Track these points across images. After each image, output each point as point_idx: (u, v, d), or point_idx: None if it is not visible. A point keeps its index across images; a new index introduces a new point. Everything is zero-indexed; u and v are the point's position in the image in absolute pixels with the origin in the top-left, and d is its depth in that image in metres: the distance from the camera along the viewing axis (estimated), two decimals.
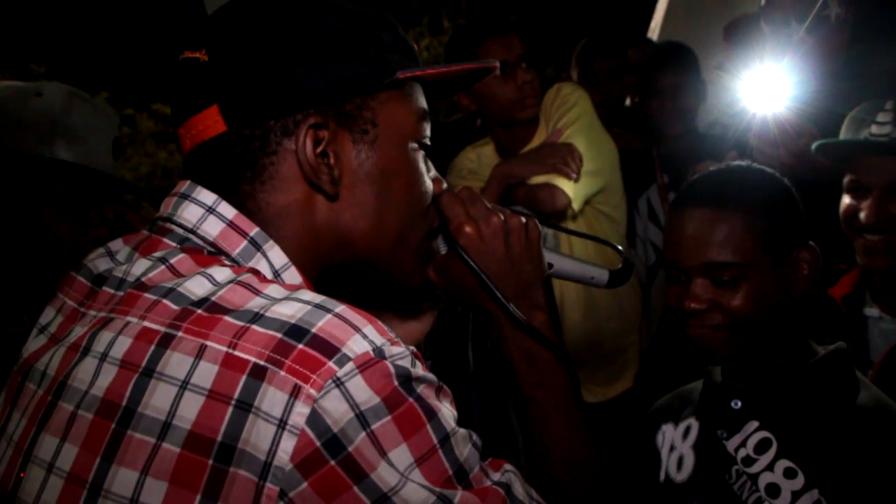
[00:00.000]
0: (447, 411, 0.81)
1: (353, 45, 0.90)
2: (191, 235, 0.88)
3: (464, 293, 1.04)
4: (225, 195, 0.89)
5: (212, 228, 0.88)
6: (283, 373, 0.73)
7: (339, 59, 0.89)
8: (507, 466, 0.86)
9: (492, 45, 2.42)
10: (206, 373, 0.74)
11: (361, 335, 0.76)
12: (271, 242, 0.89)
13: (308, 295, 0.80)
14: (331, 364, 0.74)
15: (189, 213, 0.89)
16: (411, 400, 0.77)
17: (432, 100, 1.03)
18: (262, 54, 0.87)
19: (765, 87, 2.23)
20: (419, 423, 0.77)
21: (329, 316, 0.77)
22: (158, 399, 0.75)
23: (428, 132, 0.98)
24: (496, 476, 0.84)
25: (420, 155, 0.97)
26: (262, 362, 0.74)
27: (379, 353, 0.76)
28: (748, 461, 1.32)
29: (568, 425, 1.03)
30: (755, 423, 1.33)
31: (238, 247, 0.88)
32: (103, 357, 0.79)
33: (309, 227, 0.90)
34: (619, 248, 1.23)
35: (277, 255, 0.89)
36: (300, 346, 0.74)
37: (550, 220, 2.41)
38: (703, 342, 1.34)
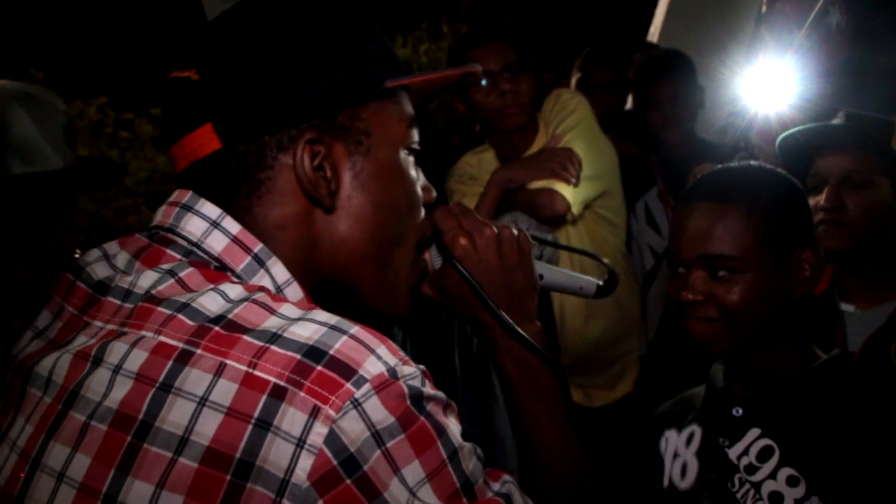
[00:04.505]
0: (454, 427, 0.83)
1: (341, 58, 0.92)
2: (195, 248, 0.89)
3: (459, 305, 1.06)
4: (226, 210, 0.90)
5: (216, 243, 0.89)
6: (302, 394, 0.75)
7: (329, 72, 0.90)
8: (506, 477, 0.88)
9: (477, 54, 2.43)
10: (226, 390, 0.76)
11: (376, 356, 0.78)
12: (274, 259, 0.90)
13: (323, 316, 0.81)
14: (349, 385, 0.76)
15: (193, 226, 0.90)
16: (422, 418, 0.79)
17: (420, 101, 1.05)
18: (253, 71, 0.89)
19: (766, 85, 2.23)
20: (430, 441, 0.79)
21: (345, 338, 0.79)
22: (176, 414, 0.76)
23: (416, 137, 1.00)
24: (496, 486, 0.86)
25: (411, 161, 0.99)
26: (282, 383, 0.75)
27: (393, 374, 0.78)
28: (751, 469, 1.31)
29: (561, 434, 1.04)
30: (757, 431, 1.33)
31: (242, 262, 0.89)
32: (117, 369, 0.80)
33: (306, 239, 0.92)
34: (605, 261, 1.25)
35: (280, 272, 0.90)
36: (319, 367, 0.76)
37: (552, 229, 2.41)
38: (700, 335, 1.34)
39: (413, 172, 0.99)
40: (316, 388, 0.75)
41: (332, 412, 0.74)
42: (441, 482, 0.79)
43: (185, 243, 0.89)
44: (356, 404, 0.75)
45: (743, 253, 1.30)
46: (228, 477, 0.74)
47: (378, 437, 0.76)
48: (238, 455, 0.74)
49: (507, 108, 2.44)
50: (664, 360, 2.77)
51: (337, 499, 0.74)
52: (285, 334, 0.78)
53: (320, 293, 0.95)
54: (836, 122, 1.91)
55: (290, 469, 0.73)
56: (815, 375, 1.34)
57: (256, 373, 0.76)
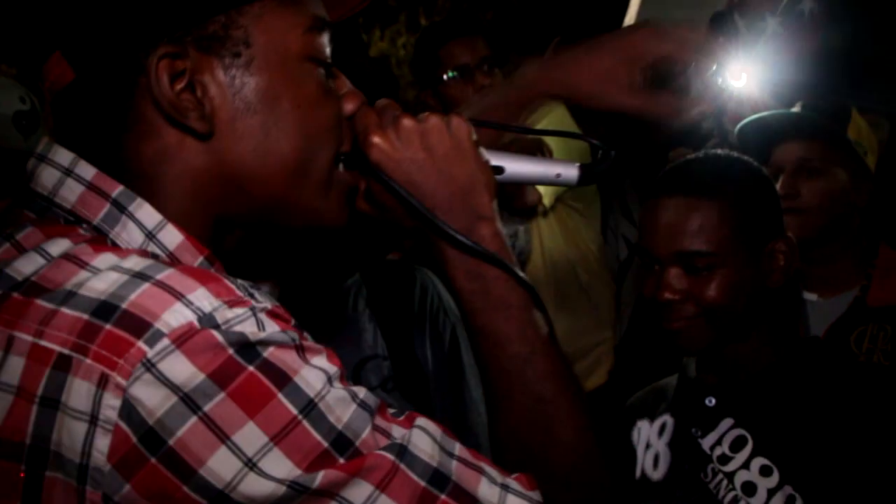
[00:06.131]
0: (312, 372, 0.67)
1: None
2: (50, 204, 0.75)
3: (395, 217, 0.87)
4: (89, 150, 0.76)
5: (70, 194, 0.74)
6: (88, 361, 0.63)
7: None
8: (420, 421, 0.73)
9: (453, 47, 2.43)
10: (14, 368, 0.64)
11: (184, 302, 0.65)
12: (139, 201, 0.74)
13: (132, 262, 0.68)
14: (140, 344, 0.63)
15: (46, 178, 0.75)
16: (251, 368, 0.64)
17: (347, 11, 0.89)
18: None
19: (740, 71, 2.24)
20: (266, 394, 0.64)
21: (146, 285, 0.65)
22: None
23: (324, 41, 0.82)
24: (400, 433, 0.70)
25: (318, 71, 0.81)
26: (66, 351, 0.63)
27: (207, 321, 0.64)
28: (724, 459, 1.30)
29: (526, 353, 0.83)
30: (730, 421, 1.32)
31: (100, 212, 0.74)
32: None
33: (187, 174, 0.76)
34: (594, 141, 1.01)
35: (148, 214, 0.74)
36: (107, 326, 0.64)
37: (524, 220, 2.39)
38: (679, 334, 1.32)
39: (317, 83, 0.81)
40: (103, 352, 0.63)
41: (120, 379, 0.62)
42: (295, 443, 0.64)
43: (41, 200, 0.75)
44: (149, 366, 0.62)
45: (718, 248, 1.29)
46: (23, 467, 0.63)
47: (189, 400, 0.62)
48: (28, 441, 0.63)
49: None
50: (638, 350, 2.76)
51: (145, 481, 0.62)
52: (80, 291, 0.65)
53: (229, 228, 0.81)
54: (793, 110, 1.94)
55: (86, 452, 0.62)
56: (785, 365, 1.33)
57: (42, 342, 0.64)
